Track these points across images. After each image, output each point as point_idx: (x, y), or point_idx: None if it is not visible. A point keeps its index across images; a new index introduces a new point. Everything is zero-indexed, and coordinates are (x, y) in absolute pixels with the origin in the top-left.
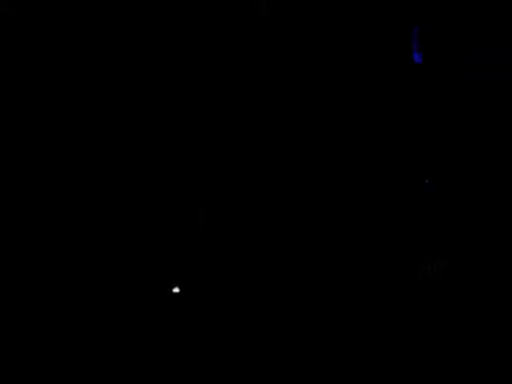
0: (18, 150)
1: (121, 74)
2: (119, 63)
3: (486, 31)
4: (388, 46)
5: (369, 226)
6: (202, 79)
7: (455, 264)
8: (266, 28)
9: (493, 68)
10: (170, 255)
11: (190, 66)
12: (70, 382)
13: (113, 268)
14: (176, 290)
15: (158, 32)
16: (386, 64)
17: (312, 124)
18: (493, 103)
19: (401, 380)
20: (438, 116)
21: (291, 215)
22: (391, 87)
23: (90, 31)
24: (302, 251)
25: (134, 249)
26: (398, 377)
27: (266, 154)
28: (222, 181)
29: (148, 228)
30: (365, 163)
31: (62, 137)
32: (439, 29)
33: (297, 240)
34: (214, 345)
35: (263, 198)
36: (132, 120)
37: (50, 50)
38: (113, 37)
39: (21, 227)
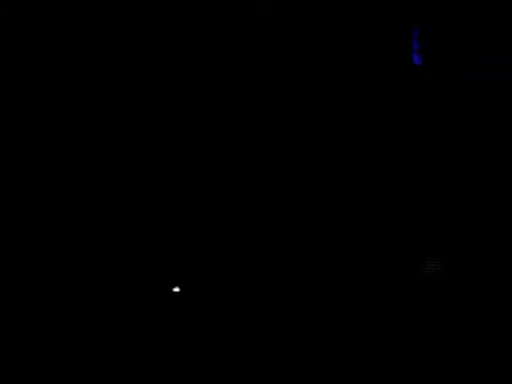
0: (18, 149)
1: (120, 75)
2: (119, 63)
3: (486, 31)
4: (388, 47)
5: (368, 225)
6: (202, 79)
7: (454, 264)
8: (266, 28)
9: (493, 68)
10: (170, 255)
11: (190, 65)
12: (70, 381)
13: (113, 268)
14: (176, 289)
15: (158, 32)
16: (385, 65)
17: (312, 124)
18: (493, 103)
19: (401, 380)
20: (438, 116)
21: (291, 215)
22: (391, 88)
23: (89, 32)
24: (302, 251)
25: (134, 249)
26: (398, 377)
27: (266, 154)
28: (222, 181)
29: (148, 228)
30: (365, 164)
31: (62, 137)
32: (439, 29)
33: (297, 240)
34: (214, 344)
35: (263, 198)
36: (132, 120)
37: (49, 50)
38: (112, 37)
39: (21, 227)
